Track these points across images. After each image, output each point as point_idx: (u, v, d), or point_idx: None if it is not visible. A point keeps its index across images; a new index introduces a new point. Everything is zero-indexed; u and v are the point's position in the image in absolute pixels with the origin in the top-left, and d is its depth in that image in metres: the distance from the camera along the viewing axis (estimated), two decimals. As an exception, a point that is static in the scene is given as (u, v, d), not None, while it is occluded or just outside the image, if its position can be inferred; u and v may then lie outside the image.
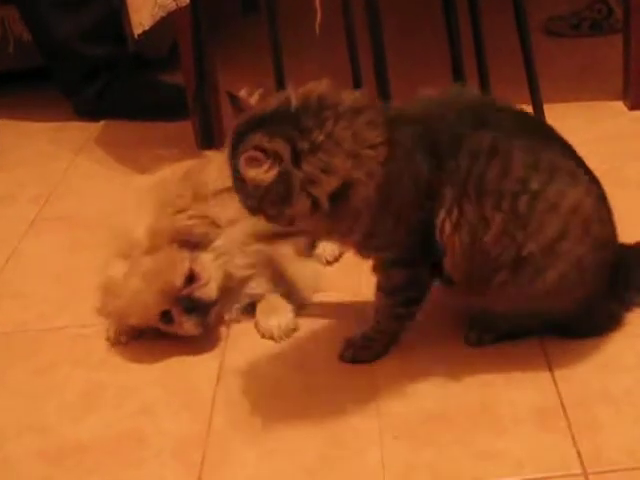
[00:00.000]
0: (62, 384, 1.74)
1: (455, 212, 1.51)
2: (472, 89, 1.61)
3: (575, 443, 1.46)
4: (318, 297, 1.90)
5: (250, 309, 1.85)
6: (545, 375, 1.61)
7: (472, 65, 2.29)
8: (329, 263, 2.02)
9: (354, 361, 1.69)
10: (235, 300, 1.84)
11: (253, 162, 1.44)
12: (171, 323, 1.74)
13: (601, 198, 1.59)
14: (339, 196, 1.48)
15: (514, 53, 2.41)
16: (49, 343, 1.86)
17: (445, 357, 1.68)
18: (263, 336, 1.80)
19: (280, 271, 1.88)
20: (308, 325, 1.82)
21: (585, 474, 1.41)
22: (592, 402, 1.54)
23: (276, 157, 1.44)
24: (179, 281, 1.72)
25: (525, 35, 2.42)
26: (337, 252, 2.02)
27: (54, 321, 1.92)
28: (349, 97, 1.51)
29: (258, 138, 1.45)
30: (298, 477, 1.46)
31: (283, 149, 1.44)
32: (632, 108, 2.56)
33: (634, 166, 2.27)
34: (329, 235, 1.58)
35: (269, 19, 2.48)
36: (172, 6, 2.30)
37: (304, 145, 1.45)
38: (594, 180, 1.59)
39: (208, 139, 2.42)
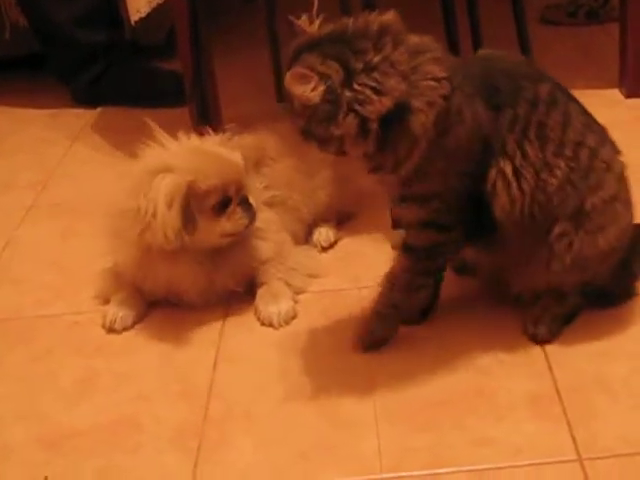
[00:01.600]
0: (58, 371, 1.74)
1: (518, 155, 1.51)
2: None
3: (570, 429, 1.47)
4: (315, 283, 1.91)
5: (249, 297, 1.86)
6: (540, 362, 1.62)
7: (469, 53, 2.29)
8: (324, 249, 2.02)
9: (372, 345, 1.67)
10: (240, 265, 1.84)
11: (301, 79, 1.43)
12: (222, 213, 1.77)
13: None
14: (393, 120, 1.45)
15: (511, 41, 2.41)
16: (45, 330, 1.86)
17: (440, 343, 1.68)
18: (263, 323, 1.80)
19: (283, 254, 1.89)
20: (305, 312, 1.82)
21: (580, 460, 1.41)
22: (587, 389, 1.55)
23: (325, 77, 1.43)
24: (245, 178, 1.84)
25: (522, 23, 2.43)
26: (332, 239, 2.03)
27: (50, 308, 1.93)
28: (416, 37, 1.50)
29: (311, 59, 1.45)
30: (294, 463, 1.47)
31: (335, 72, 1.43)
32: (628, 96, 2.56)
33: (630, 153, 2.27)
34: (376, 169, 1.53)
35: (267, 7, 2.48)
36: (169, -7, 2.30)
37: (358, 65, 1.43)
38: None
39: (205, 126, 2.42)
